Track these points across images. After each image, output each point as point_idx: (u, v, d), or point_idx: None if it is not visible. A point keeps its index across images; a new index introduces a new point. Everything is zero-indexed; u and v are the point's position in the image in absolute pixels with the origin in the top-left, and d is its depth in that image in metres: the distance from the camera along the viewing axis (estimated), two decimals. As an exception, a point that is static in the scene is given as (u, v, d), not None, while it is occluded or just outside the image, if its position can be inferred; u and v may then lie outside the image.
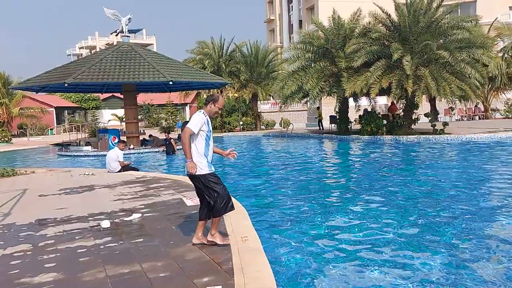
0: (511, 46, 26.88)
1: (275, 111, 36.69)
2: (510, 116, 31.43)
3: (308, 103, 24.09)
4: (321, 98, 26.84)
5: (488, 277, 4.24)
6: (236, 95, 34.06)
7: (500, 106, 32.84)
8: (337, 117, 24.53)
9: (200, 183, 4.62)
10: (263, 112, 36.35)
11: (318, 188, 9.35)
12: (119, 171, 11.43)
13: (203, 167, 4.59)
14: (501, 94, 30.30)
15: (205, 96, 41.16)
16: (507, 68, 25.92)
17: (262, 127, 33.44)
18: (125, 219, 6.12)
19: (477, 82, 19.71)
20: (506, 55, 27.09)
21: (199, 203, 6.93)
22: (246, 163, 14.48)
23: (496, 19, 29.95)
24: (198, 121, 4.57)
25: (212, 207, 4.67)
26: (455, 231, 5.69)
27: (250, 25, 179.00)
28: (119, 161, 11.50)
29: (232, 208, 4.67)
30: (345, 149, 18.12)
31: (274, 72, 31.87)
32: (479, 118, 31.58)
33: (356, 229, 5.97)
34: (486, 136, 18.04)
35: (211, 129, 4.75)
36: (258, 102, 34.70)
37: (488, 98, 31.12)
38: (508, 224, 5.98)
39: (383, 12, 20.69)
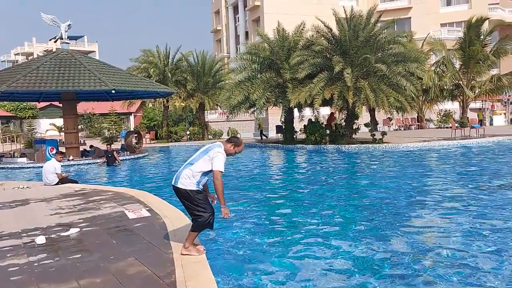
0: (442, 61, 28.87)
1: (223, 121, 36.75)
2: (442, 126, 33.66)
3: (255, 113, 24.40)
4: (267, 108, 27.29)
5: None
6: (183, 104, 33.74)
7: (433, 117, 35.13)
8: (283, 127, 25.01)
9: (186, 198, 4.64)
10: (210, 122, 36.26)
11: (263, 194, 9.47)
12: (57, 183, 10.90)
13: (190, 185, 4.61)
14: (434, 105, 32.42)
15: (150, 105, 40.45)
16: (439, 81, 27.78)
17: (210, 136, 33.31)
18: (62, 234, 5.84)
19: (412, 94, 20.93)
20: (438, 68, 29.06)
21: (142, 215, 6.81)
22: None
23: (428, 34, 32.08)
24: (223, 160, 4.62)
25: (193, 221, 4.71)
26: (386, 228, 6.03)
27: (197, 35, 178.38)
28: (56, 173, 10.97)
29: (211, 226, 4.74)
30: (290, 158, 18.49)
31: (221, 82, 31.97)
32: (415, 128, 33.52)
33: (298, 234, 6.12)
34: (421, 144, 19.18)
35: None
36: (206, 112, 34.59)
37: (423, 109, 33.19)
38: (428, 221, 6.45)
39: (325, 26, 21.49)
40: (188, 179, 4.62)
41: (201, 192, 4.68)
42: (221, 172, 4.54)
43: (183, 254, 4.68)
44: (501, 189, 9.05)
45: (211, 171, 4.62)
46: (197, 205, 4.62)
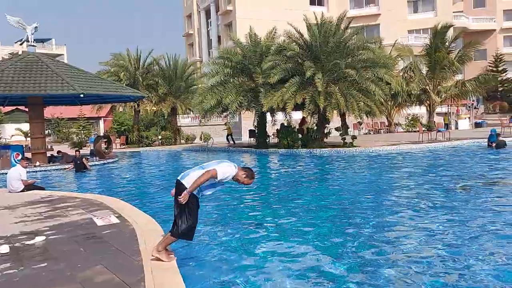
0: (410, 66, 29.72)
1: (195, 125, 36.51)
2: (410, 129, 34.56)
3: (228, 117, 24.41)
4: (240, 113, 27.30)
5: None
6: (155, 108, 33.34)
7: (401, 121, 36.04)
8: (256, 131, 25.09)
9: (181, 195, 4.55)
10: (183, 126, 35.96)
11: (234, 197, 9.48)
12: (22, 190, 10.56)
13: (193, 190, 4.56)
14: (402, 110, 33.27)
15: (120, 109, 39.77)
16: (407, 86, 28.56)
17: (182, 141, 33.02)
18: (27, 242, 5.67)
19: (381, 99, 21.40)
20: (406, 74, 29.89)
21: (110, 222, 6.69)
22: (165, 178, 14.18)
23: (396, 41, 32.94)
24: (227, 172, 4.56)
25: (175, 226, 4.62)
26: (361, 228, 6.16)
27: (169, 39, 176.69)
28: (22, 180, 10.63)
29: (190, 237, 4.69)
30: (263, 162, 18.58)
31: (194, 86, 31.78)
32: (384, 132, 34.29)
33: (268, 237, 6.16)
34: (390, 148, 19.63)
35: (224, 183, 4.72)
36: (178, 116, 34.28)
37: (392, 114, 34.01)
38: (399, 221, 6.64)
39: (296, 31, 21.73)
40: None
41: (197, 199, 4.64)
42: (216, 175, 4.48)
43: (154, 257, 4.62)
44: (464, 190, 9.39)
45: (217, 184, 4.65)
46: (187, 208, 4.55)
